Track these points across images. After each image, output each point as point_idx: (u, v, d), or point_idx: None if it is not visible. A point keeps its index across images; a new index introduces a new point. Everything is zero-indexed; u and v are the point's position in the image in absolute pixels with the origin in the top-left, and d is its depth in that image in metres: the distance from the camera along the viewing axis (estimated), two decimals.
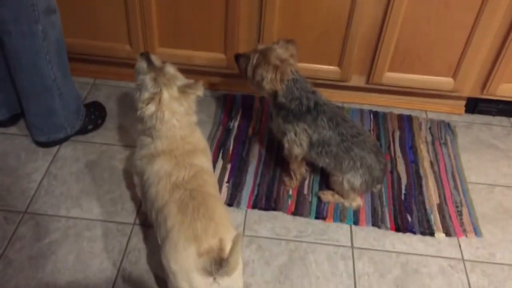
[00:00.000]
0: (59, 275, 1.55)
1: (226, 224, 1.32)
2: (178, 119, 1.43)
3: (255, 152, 1.99)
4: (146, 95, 1.42)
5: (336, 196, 1.80)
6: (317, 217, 1.78)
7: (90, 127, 2.01)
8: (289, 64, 1.63)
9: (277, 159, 1.95)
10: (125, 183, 1.84)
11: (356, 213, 1.80)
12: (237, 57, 1.75)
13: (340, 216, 1.78)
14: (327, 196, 1.82)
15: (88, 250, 1.62)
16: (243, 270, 1.36)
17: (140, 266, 1.59)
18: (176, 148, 1.45)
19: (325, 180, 1.85)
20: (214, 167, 1.90)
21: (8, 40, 1.66)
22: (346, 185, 1.72)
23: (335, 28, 1.96)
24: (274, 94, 1.66)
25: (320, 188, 1.87)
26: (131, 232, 1.68)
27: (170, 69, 1.46)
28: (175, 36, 2.04)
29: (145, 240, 1.65)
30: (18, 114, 1.99)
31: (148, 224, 1.66)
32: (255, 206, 1.79)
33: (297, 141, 1.69)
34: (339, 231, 1.75)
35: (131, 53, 2.08)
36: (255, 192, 1.83)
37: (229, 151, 1.98)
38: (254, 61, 1.64)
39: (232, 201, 1.80)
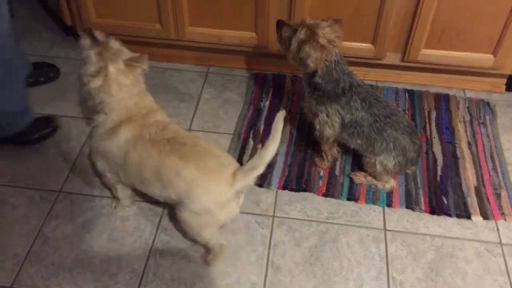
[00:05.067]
0: (93, 253, 1.58)
1: (227, 155, 1.47)
2: (126, 91, 1.44)
3: (286, 133, 1.96)
4: (91, 68, 1.42)
5: (369, 177, 1.76)
6: (349, 199, 1.75)
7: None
8: (335, 46, 1.56)
9: (308, 140, 1.92)
10: None
11: (389, 195, 1.76)
12: (280, 24, 1.63)
13: (372, 198, 1.75)
14: (360, 177, 1.78)
15: (121, 229, 1.65)
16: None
17: (172, 245, 1.61)
18: (133, 115, 1.47)
19: (358, 161, 1.81)
20: (244, 147, 1.89)
21: None
22: (378, 167, 1.67)
23: (369, 3, 1.89)
24: (313, 73, 1.61)
25: (352, 169, 1.83)
26: (162, 212, 1.70)
27: (115, 44, 1.46)
28: (205, 15, 2.01)
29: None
30: None
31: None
32: (285, 187, 1.78)
33: (329, 122, 1.65)
34: (372, 214, 1.72)
35: (162, 32, 2.08)
36: (286, 173, 1.81)
37: (260, 131, 1.96)
38: (302, 35, 1.55)
39: (262, 181, 1.79)
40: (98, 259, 1.56)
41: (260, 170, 1.36)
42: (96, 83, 1.41)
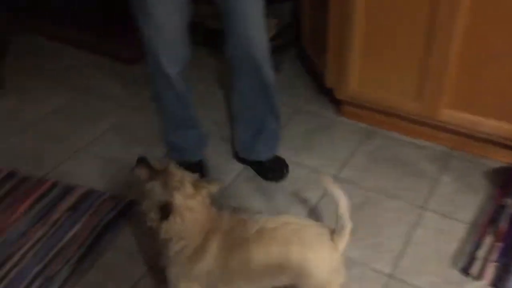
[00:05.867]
0: None
1: (315, 223, 1.48)
2: (198, 211, 1.38)
3: None
4: (156, 204, 1.34)
5: None
6: None
7: None
8: None
9: None
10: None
11: None
12: None
13: None
14: None
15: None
16: None
17: None
18: (209, 229, 1.40)
19: None
20: (480, 241, 1.79)
21: None
22: None
23: None
24: None
25: None
26: (385, 283, 1.70)
27: (176, 170, 1.38)
28: (467, 100, 2.01)
29: None
30: None
31: None
32: None
33: None
34: None
35: (415, 109, 2.13)
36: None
37: (501, 229, 1.85)
38: None
39: (497, 282, 1.67)
40: None
41: (349, 226, 1.39)
42: (175, 223, 1.35)
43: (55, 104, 2.60)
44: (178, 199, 1.33)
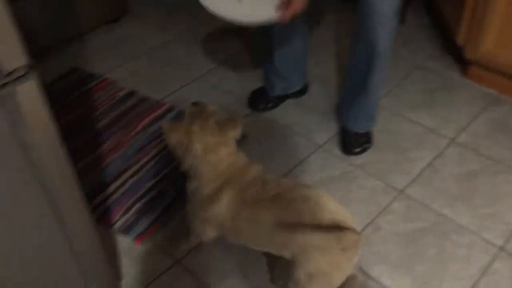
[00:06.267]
0: (419, 263, 1.61)
1: (341, 209, 1.31)
2: (213, 152, 1.35)
3: None
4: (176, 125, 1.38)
5: None
6: None
7: None
8: None
9: None
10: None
11: None
12: None
13: None
14: None
15: (451, 253, 1.63)
16: None
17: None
18: (229, 178, 1.37)
19: None
20: None
21: None
22: None
23: None
24: None
25: None
26: (495, 254, 1.61)
27: (212, 107, 1.42)
28: None
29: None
30: None
31: None
32: None
33: None
34: None
35: None
36: None
37: None
38: None
39: None
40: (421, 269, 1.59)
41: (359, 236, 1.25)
42: (173, 138, 1.36)
43: (177, 31, 2.67)
44: (195, 127, 1.36)
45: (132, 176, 1.88)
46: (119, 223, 1.73)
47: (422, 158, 1.93)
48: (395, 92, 2.22)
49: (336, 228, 1.23)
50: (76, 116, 2.14)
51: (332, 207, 1.29)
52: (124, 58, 2.50)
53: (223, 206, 1.36)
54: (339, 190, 1.82)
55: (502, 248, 1.63)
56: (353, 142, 1.96)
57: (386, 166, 1.91)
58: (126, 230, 1.71)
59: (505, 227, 1.69)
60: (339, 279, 1.31)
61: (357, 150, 1.96)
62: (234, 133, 1.39)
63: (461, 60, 2.28)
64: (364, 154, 1.96)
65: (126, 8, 2.76)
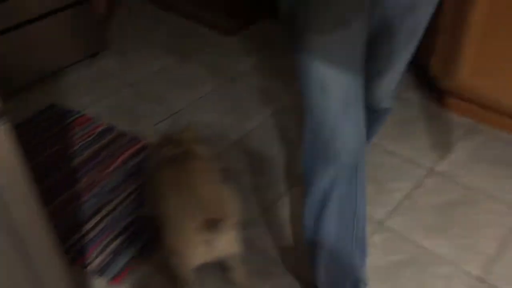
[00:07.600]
0: None
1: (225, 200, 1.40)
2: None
3: None
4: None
5: None
6: None
7: None
8: None
9: None
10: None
11: None
12: None
13: None
14: None
15: (430, 285, 1.61)
16: None
17: None
18: None
19: None
20: None
21: None
22: None
23: None
24: None
25: None
26: (473, 286, 1.60)
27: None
28: None
29: None
30: None
31: None
32: None
33: None
34: None
35: None
36: None
37: None
38: None
39: None
40: None
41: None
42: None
43: (155, 67, 2.68)
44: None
45: (108, 214, 1.85)
46: (95, 263, 1.69)
47: (401, 189, 1.94)
48: None
49: (200, 208, 1.29)
50: (53, 153, 2.11)
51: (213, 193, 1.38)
52: (103, 93, 2.49)
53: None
54: None
55: (481, 279, 1.62)
56: None
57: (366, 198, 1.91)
58: (102, 270, 1.67)
59: (484, 258, 1.69)
60: (195, 259, 1.35)
61: None
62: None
63: (437, 90, 2.31)
64: None
65: (105, 43, 2.77)
